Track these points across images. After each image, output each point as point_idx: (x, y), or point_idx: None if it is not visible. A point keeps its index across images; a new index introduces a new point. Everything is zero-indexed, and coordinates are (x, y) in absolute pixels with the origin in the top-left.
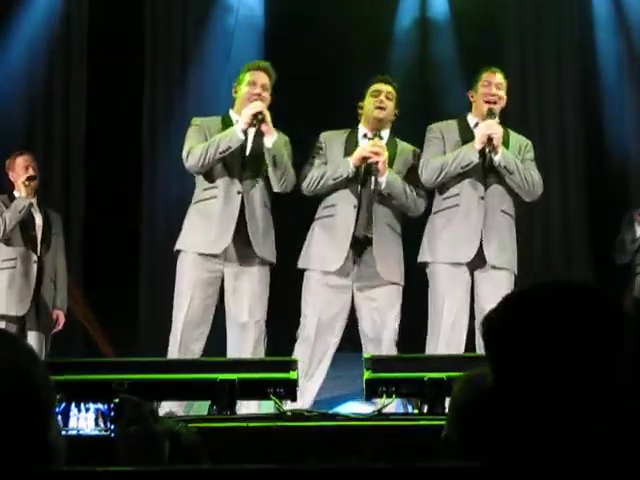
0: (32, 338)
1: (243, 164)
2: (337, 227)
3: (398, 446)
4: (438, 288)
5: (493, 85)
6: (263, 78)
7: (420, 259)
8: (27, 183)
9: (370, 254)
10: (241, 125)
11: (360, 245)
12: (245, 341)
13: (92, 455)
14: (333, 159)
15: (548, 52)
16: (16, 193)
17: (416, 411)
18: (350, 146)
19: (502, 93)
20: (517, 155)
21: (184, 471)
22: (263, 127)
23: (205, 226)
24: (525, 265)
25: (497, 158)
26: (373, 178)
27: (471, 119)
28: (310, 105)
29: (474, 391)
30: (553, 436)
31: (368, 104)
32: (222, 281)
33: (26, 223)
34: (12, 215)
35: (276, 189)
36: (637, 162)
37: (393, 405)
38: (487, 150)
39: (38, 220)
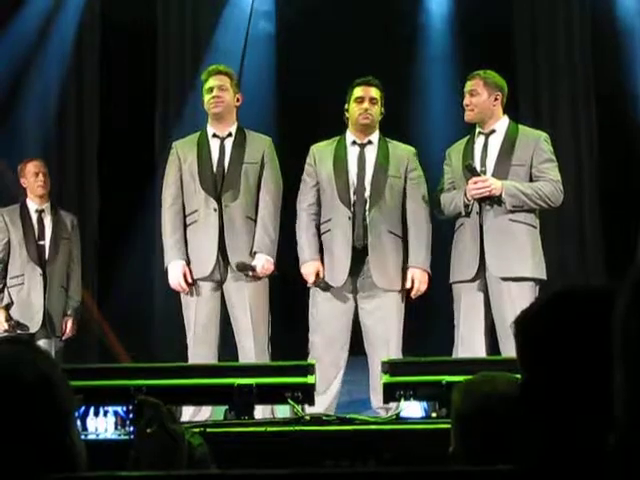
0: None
1: (218, 179)
2: (336, 241)
3: (417, 450)
4: (456, 305)
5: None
6: (218, 80)
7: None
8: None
9: (368, 264)
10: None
11: (359, 255)
12: (248, 356)
13: (112, 459)
14: (324, 172)
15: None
16: (29, 201)
17: (434, 414)
18: (339, 155)
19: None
20: (532, 155)
21: (202, 476)
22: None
23: (193, 251)
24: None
25: (504, 201)
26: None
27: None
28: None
29: (476, 400)
30: (585, 437)
31: (353, 111)
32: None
33: (31, 236)
34: None
35: None
36: None
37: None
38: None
39: (48, 226)
